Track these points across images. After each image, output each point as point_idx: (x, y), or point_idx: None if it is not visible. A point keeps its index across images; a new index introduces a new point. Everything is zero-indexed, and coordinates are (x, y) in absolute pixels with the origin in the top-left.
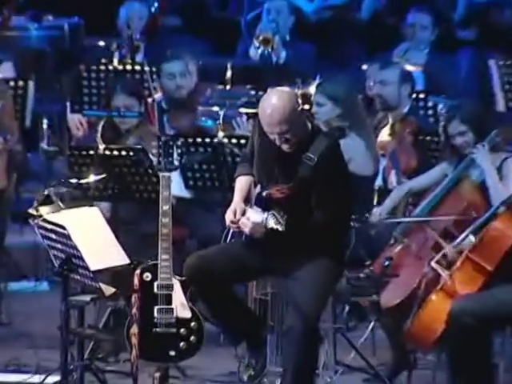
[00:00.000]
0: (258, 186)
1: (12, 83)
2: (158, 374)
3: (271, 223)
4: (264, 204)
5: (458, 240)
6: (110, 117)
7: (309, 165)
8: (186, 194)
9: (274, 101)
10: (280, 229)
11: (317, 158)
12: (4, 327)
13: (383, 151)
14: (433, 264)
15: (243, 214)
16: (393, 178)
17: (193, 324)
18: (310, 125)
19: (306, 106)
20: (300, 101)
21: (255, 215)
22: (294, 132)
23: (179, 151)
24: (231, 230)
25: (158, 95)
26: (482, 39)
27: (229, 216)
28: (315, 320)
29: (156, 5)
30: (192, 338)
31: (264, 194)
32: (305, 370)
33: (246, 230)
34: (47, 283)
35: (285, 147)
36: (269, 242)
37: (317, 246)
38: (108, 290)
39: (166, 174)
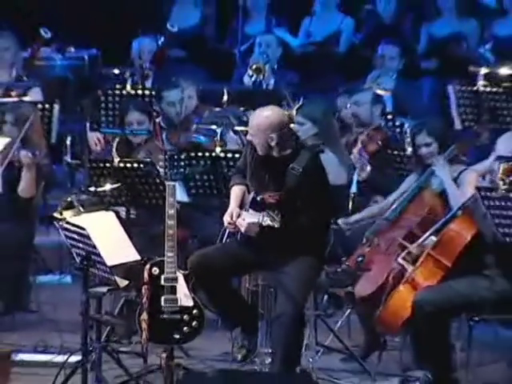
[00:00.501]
0: (252, 193)
1: (40, 106)
2: (164, 355)
3: (268, 221)
4: (258, 206)
5: (421, 240)
6: (124, 134)
7: (295, 174)
8: (187, 199)
9: (264, 112)
10: (276, 225)
11: (302, 169)
12: (33, 314)
13: None
14: (399, 260)
15: (238, 216)
16: None
17: (194, 311)
18: (294, 141)
19: (292, 125)
20: (287, 118)
21: (249, 217)
22: (278, 140)
23: (182, 164)
24: (227, 231)
25: (159, 119)
26: (442, 68)
27: (226, 219)
28: (302, 307)
29: (162, 39)
30: (194, 323)
31: (258, 198)
32: (293, 350)
33: (242, 229)
34: (70, 276)
35: (273, 152)
36: (260, 241)
37: (302, 244)
38: (122, 282)
39: (171, 183)
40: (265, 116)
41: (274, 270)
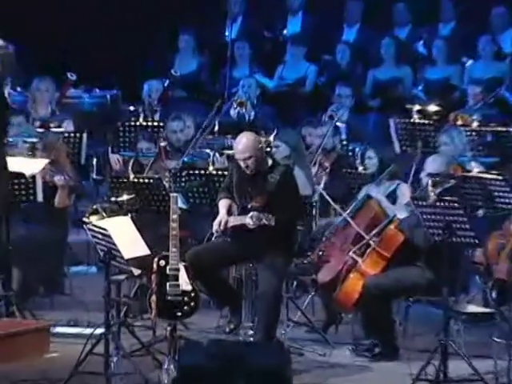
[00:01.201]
0: (239, 203)
1: (72, 134)
2: (169, 328)
3: (264, 220)
4: (247, 212)
5: (367, 237)
6: (136, 156)
7: (273, 182)
8: (186, 206)
9: (243, 138)
10: (272, 223)
11: (279, 177)
12: (67, 297)
13: None
14: (351, 254)
15: (226, 223)
16: None
17: (192, 294)
18: (270, 160)
19: (268, 149)
20: (263, 143)
21: (235, 220)
22: (254, 159)
23: (183, 179)
24: (214, 234)
25: (163, 143)
26: (385, 105)
27: (216, 224)
28: (280, 287)
29: (167, 82)
30: (192, 303)
31: (249, 206)
32: (272, 321)
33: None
34: (95, 267)
35: (247, 170)
36: (243, 240)
37: (276, 242)
38: (136, 271)
39: (174, 194)
40: (247, 137)
41: (254, 262)
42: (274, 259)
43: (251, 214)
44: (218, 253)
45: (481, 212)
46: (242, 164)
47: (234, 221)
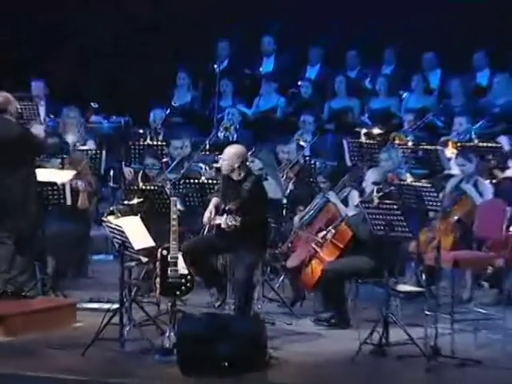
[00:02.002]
0: (222, 205)
1: (94, 151)
2: (170, 303)
3: (232, 221)
4: (225, 213)
5: (326, 232)
6: (144, 169)
7: (246, 189)
8: (183, 208)
9: (228, 149)
10: (237, 224)
11: (250, 185)
12: (90, 279)
13: None
14: (313, 245)
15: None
16: None
17: (188, 277)
18: (247, 170)
19: (247, 162)
20: (242, 155)
21: (218, 219)
22: (227, 163)
23: (181, 187)
24: (206, 228)
25: (165, 159)
26: (338, 129)
27: (205, 216)
28: (249, 277)
29: (168, 110)
30: (188, 284)
31: (227, 208)
32: (244, 303)
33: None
34: (112, 256)
35: (221, 169)
36: (226, 234)
37: (248, 238)
38: (144, 259)
39: (174, 198)
40: (234, 147)
41: (233, 252)
42: (245, 253)
43: (224, 216)
44: (207, 245)
45: None
46: (226, 169)
47: (216, 220)
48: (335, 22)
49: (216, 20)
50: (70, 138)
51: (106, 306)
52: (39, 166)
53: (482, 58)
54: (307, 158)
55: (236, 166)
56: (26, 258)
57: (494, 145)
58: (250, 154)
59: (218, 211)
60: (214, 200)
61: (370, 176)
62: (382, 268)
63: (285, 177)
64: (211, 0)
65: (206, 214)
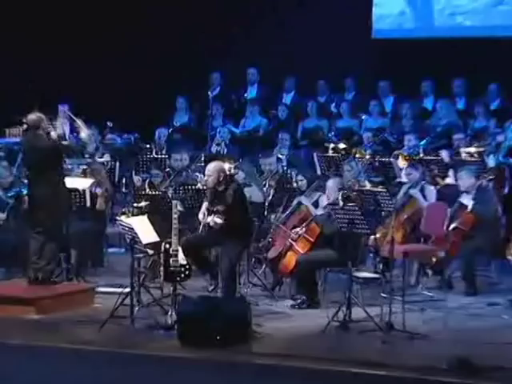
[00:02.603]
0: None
1: (110, 163)
2: (172, 288)
3: (217, 220)
4: (214, 213)
5: (299, 229)
6: (150, 178)
7: (229, 195)
8: (183, 209)
9: (210, 165)
10: (221, 222)
11: (232, 191)
12: (105, 268)
13: None
14: (289, 240)
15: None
16: None
17: (187, 266)
18: (228, 179)
19: (233, 171)
20: (222, 169)
21: (209, 218)
22: (223, 177)
23: (181, 192)
24: (201, 225)
25: (167, 169)
26: (310, 145)
27: (200, 216)
28: (232, 267)
29: (171, 129)
30: (186, 272)
31: (215, 209)
32: (228, 287)
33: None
34: (124, 249)
35: (208, 185)
36: (216, 231)
37: (231, 234)
38: (150, 251)
39: (175, 201)
40: (215, 164)
41: (222, 246)
42: (230, 246)
43: (211, 216)
44: (201, 240)
45: None
46: (211, 182)
47: (207, 219)
48: (308, 57)
49: (210, 54)
50: (89, 151)
51: (119, 290)
52: (66, 175)
53: (427, 86)
54: (285, 169)
55: (220, 179)
56: (53, 250)
57: (436, 157)
58: (234, 166)
59: (209, 213)
60: (206, 203)
61: (330, 185)
62: (345, 258)
63: (267, 184)
64: (206, 38)
65: (200, 215)
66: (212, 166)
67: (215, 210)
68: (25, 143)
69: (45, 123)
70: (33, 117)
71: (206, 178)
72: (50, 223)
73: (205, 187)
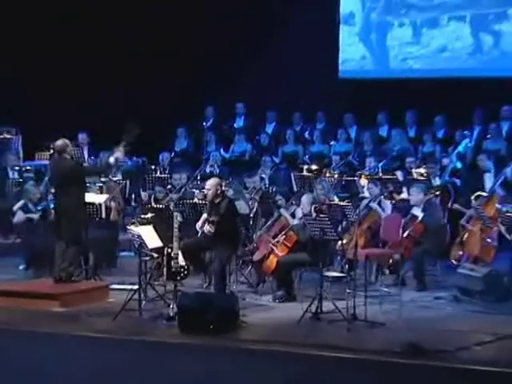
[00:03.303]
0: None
1: (122, 181)
2: (173, 285)
3: (209, 229)
4: (209, 223)
5: (279, 236)
6: (155, 193)
7: (222, 208)
8: (182, 220)
9: (210, 181)
10: (212, 230)
11: (225, 205)
12: (118, 268)
13: None
14: (270, 245)
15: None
16: None
17: (186, 267)
18: (223, 195)
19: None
20: (219, 185)
21: (204, 227)
22: (220, 191)
23: (181, 205)
24: (199, 232)
25: (169, 186)
26: (288, 166)
27: (198, 225)
28: (222, 267)
29: (173, 154)
30: (185, 272)
31: (210, 219)
32: (218, 284)
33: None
34: (133, 252)
35: (208, 198)
36: (210, 237)
37: (223, 240)
38: (155, 255)
39: (176, 213)
40: (213, 180)
41: (214, 250)
42: (221, 251)
43: (206, 225)
44: (198, 245)
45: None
46: (210, 195)
47: (203, 228)
48: (286, 94)
49: (204, 92)
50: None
51: (129, 287)
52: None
53: (383, 117)
54: (267, 186)
55: (218, 192)
56: (75, 254)
57: (392, 177)
58: (225, 184)
59: (206, 222)
60: (204, 215)
61: (304, 199)
62: (317, 260)
63: (252, 200)
64: (201, 77)
65: (198, 224)
66: (211, 181)
67: (211, 220)
68: (53, 165)
69: (69, 148)
70: (60, 142)
71: (205, 191)
72: (73, 231)
73: (200, 201)
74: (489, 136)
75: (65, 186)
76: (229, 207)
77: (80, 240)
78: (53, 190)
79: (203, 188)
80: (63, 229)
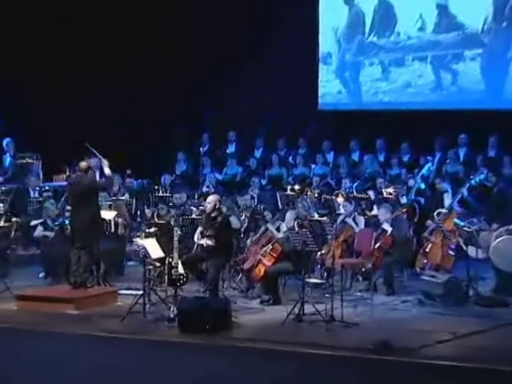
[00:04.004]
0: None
1: (128, 200)
2: (173, 290)
3: (209, 242)
4: (206, 237)
5: (266, 247)
6: (158, 210)
7: (218, 222)
8: (181, 233)
9: (210, 197)
10: (212, 243)
11: (221, 220)
12: (125, 276)
13: None
14: (259, 256)
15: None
16: None
17: (185, 275)
18: (220, 211)
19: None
20: (218, 201)
21: (201, 240)
22: (210, 205)
23: (180, 221)
24: (196, 245)
25: (170, 203)
26: (274, 187)
27: (195, 238)
28: (216, 275)
29: (174, 176)
30: (184, 279)
31: (207, 233)
32: (213, 290)
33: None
34: (139, 262)
35: (206, 209)
36: (206, 250)
37: (217, 252)
38: (158, 264)
39: (176, 228)
40: (213, 196)
41: (209, 261)
42: (215, 261)
43: (203, 239)
44: (196, 257)
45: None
46: (209, 209)
47: (200, 241)
48: (272, 123)
49: (200, 121)
50: (113, 191)
51: (135, 292)
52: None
53: (356, 144)
54: (256, 204)
55: (216, 206)
56: (88, 262)
57: (365, 196)
58: (219, 202)
59: (203, 235)
60: (200, 228)
61: (288, 215)
62: (300, 269)
63: (243, 216)
64: (198, 109)
65: (195, 237)
66: (212, 197)
67: (208, 234)
68: (75, 182)
69: (92, 170)
70: (84, 164)
71: (206, 204)
72: (87, 242)
73: (198, 217)
74: (448, 161)
75: (85, 201)
76: (224, 222)
77: (93, 250)
78: (69, 208)
79: (200, 205)
80: (79, 239)
